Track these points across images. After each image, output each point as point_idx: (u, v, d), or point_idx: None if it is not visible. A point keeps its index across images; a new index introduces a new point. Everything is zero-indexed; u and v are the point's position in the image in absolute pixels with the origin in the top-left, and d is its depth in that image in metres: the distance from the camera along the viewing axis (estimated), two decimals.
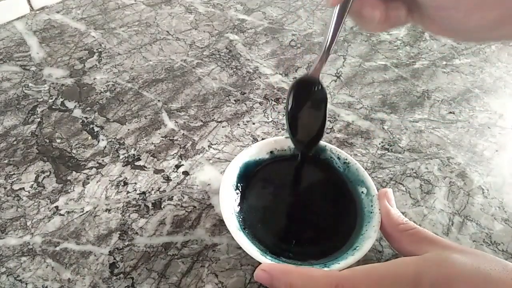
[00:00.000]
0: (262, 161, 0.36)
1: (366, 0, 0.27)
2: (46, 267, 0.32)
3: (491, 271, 0.23)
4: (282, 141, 0.37)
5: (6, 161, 0.39)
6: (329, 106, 0.48)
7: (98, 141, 0.42)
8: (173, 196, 0.38)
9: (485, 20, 0.25)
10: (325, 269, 0.28)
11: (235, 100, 0.48)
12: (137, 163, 0.40)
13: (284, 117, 0.32)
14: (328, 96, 0.49)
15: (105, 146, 0.41)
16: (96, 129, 0.43)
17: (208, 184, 0.39)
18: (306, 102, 0.33)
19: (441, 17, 0.27)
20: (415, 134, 0.46)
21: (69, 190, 0.37)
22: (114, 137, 0.42)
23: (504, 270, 0.23)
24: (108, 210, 0.36)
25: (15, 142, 0.41)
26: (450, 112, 0.49)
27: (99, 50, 0.53)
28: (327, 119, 0.38)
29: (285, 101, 0.48)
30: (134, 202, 0.37)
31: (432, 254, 0.25)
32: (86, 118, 0.44)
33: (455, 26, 0.27)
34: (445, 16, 0.27)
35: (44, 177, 0.38)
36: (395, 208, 0.31)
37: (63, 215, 0.35)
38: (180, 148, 0.42)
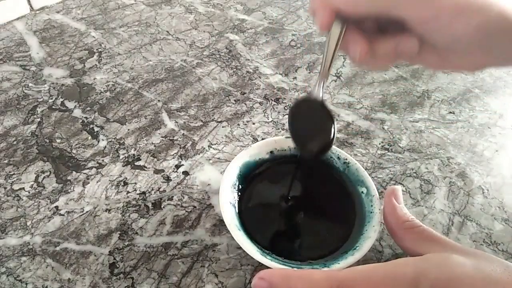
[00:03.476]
0: (262, 161, 0.36)
1: (350, 37, 0.29)
2: (46, 267, 0.32)
3: (491, 272, 0.23)
4: (282, 141, 0.37)
5: (6, 161, 0.39)
6: (329, 106, 0.48)
7: (98, 141, 0.42)
8: (173, 196, 0.38)
9: (469, 28, 0.27)
10: (325, 269, 0.28)
11: (235, 100, 0.48)
12: (137, 163, 0.40)
13: (288, 129, 0.32)
14: (328, 96, 0.49)
15: (105, 146, 0.41)
16: (96, 129, 0.43)
17: (208, 184, 0.39)
18: (310, 120, 0.33)
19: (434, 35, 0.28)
20: (415, 134, 0.46)
21: (69, 190, 0.37)
22: (114, 137, 0.42)
23: (505, 271, 0.23)
24: (108, 210, 0.36)
25: (15, 142, 0.41)
26: (450, 112, 0.49)
27: (99, 50, 0.53)
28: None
29: (285, 101, 0.48)
30: (134, 202, 0.37)
31: (432, 255, 0.25)
32: (86, 118, 0.44)
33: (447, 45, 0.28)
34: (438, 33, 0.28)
35: (44, 177, 0.38)
36: (402, 205, 0.31)
37: (63, 215, 0.35)
38: (180, 148, 0.42)
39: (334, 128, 0.31)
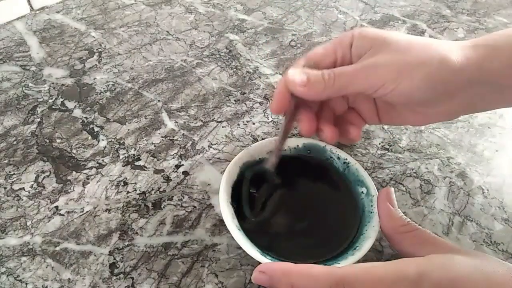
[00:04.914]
0: (262, 161, 0.36)
1: (301, 117, 0.33)
2: (46, 267, 0.32)
3: (494, 273, 0.23)
4: None
5: (6, 161, 0.39)
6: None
7: (98, 141, 0.42)
8: (173, 196, 0.38)
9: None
10: None
11: (235, 100, 0.48)
12: (137, 163, 0.40)
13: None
14: None
15: (105, 146, 0.41)
16: (96, 129, 0.43)
17: (208, 184, 0.39)
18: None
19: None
20: (415, 134, 0.46)
21: (69, 190, 0.37)
22: (114, 137, 0.42)
23: (508, 272, 0.23)
24: (108, 210, 0.36)
25: (15, 142, 0.41)
26: None
27: (99, 50, 0.53)
28: None
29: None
30: (134, 202, 0.37)
31: (435, 256, 0.25)
32: (86, 118, 0.44)
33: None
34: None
35: (44, 177, 0.38)
36: (396, 208, 0.31)
37: (63, 215, 0.35)
38: (180, 148, 0.42)
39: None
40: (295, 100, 0.32)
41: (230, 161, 0.35)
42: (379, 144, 0.44)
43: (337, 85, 0.30)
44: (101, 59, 0.51)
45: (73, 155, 0.40)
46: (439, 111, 0.31)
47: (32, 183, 0.38)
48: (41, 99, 0.46)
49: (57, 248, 0.33)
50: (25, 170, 0.39)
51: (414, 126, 0.44)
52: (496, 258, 0.25)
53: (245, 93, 0.49)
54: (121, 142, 0.42)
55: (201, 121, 0.45)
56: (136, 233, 0.35)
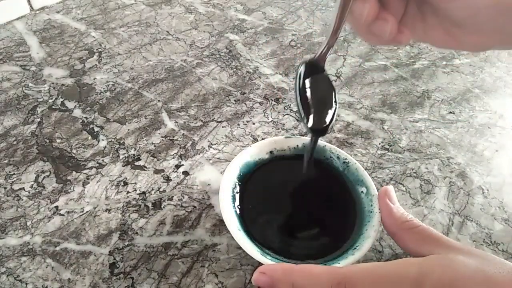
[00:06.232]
0: (262, 161, 0.36)
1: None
2: (46, 267, 0.32)
3: (495, 274, 0.23)
4: (282, 141, 0.37)
5: (6, 161, 0.39)
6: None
7: (98, 141, 0.42)
8: (173, 196, 0.38)
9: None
10: None
11: (235, 100, 0.48)
12: (137, 163, 0.40)
13: (295, 99, 0.33)
14: None
15: (105, 146, 0.41)
16: (96, 129, 0.43)
17: (208, 184, 0.39)
18: (314, 86, 0.33)
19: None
20: (415, 134, 0.46)
21: (69, 190, 0.37)
22: (114, 137, 0.42)
23: (509, 273, 0.23)
24: (108, 210, 0.36)
25: (15, 142, 0.41)
26: (450, 112, 0.49)
27: (99, 50, 0.53)
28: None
29: (285, 101, 0.48)
30: (134, 202, 0.37)
31: (436, 256, 0.25)
32: (86, 118, 0.44)
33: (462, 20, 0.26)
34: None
35: (44, 177, 0.38)
36: (397, 205, 0.30)
37: (63, 215, 0.35)
38: (180, 148, 0.42)
39: (336, 100, 0.32)
40: None
41: (230, 161, 0.35)
42: (379, 144, 0.44)
43: None
44: (101, 59, 0.51)
45: (73, 155, 0.40)
46: (477, 41, 0.27)
47: (32, 183, 0.38)
48: (41, 99, 0.46)
49: (57, 248, 0.33)
50: (25, 170, 0.39)
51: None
52: (497, 257, 0.25)
53: (245, 93, 0.49)
54: (121, 142, 0.42)
55: (201, 121, 0.45)
56: (136, 233, 0.35)
